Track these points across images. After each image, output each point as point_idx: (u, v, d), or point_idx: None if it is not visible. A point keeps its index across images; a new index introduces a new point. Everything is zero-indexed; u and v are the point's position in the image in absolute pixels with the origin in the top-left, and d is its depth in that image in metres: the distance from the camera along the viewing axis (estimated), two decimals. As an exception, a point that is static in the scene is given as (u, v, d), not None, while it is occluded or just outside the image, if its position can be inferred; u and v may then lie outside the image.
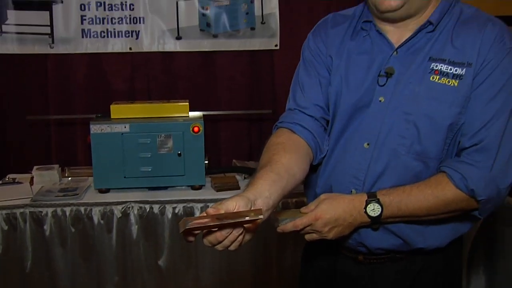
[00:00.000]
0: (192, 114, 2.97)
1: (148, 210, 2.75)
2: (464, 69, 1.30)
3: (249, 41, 3.49)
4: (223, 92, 3.54)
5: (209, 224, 1.09)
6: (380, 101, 1.38)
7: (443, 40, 1.35)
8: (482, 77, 1.29)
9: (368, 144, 1.39)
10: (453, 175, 1.29)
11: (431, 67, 1.33)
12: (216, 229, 1.12)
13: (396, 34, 1.39)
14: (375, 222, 1.33)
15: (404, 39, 1.37)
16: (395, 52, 1.38)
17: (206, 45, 3.46)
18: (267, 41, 3.50)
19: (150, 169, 2.83)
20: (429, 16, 1.35)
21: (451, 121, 1.31)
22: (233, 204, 1.13)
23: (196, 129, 2.83)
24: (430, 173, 1.34)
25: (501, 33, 1.30)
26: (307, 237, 1.34)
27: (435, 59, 1.33)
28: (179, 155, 2.82)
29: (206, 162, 2.91)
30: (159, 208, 2.75)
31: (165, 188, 2.89)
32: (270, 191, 1.22)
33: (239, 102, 3.54)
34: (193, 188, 2.89)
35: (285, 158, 1.34)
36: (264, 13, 3.47)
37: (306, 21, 3.48)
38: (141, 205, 2.75)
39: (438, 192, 1.30)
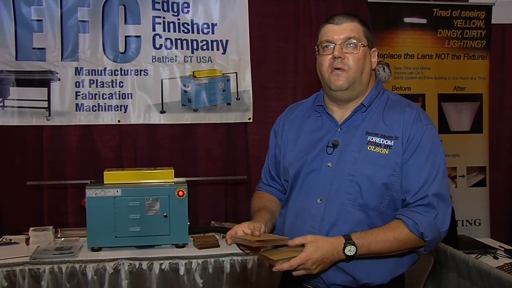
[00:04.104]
0: (176, 179, 3.31)
1: (137, 266, 3.03)
2: (393, 141, 1.75)
3: (225, 115, 3.92)
4: (202, 160, 3.91)
5: (253, 246, 1.64)
6: (328, 166, 1.80)
7: (375, 118, 1.81)
8: (411, 149, 1.73)
9: (320, 200, 1.80)
10: (407, 221, 1.70)
11: (368, 140, 1.77)
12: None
13: (340, 114, 1.87)
14: (350, 259, 1.70)
15: (345, 118, 1.85)
16: (339, 128, 1.84)
17: (187, 118, 3.87)
18: (242, 114, 3.94)
19: (138, 229, 3.14)
20: (362, 101, 1.84)
21: (384, 181, 1.73)
22: (254, 225, 1.73)
23: (181, 193, 3.18)
24: (370, 221, 1.75)
25: (417, 114, 1.78)
26: (295, 273, 1.66)
27: (371, 133, 1.78)
28: (165, 216, 3.15)
29: (188, 223, 3.23)
30: (147, 264, 3.04)
31: (152, 246, 3.19)
32: (268, 222, 1.82)
33: (216, 168, 3.91)
34: (177, 246, 3.20)
35: (271, 205, 1.96)
36: (239, 90, 3.93)
37: (276, 98, 3.96)
38: (131, 262, 3.03)
39: (397, 234, 1.69)
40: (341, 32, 1.79)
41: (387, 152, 1.74)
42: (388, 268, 1.79)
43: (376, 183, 1.74)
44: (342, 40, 1.78)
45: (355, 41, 1.78)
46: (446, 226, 1.73)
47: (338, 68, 1.79)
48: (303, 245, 1.65)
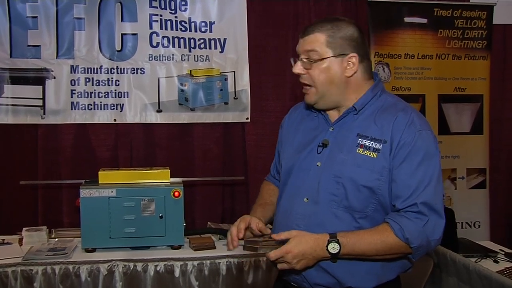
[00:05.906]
0: (172, 180, 3.26)
1: (132, 268, 2.97)
2: (382, 145, 1.71)
3: (223, 114, 3.87)
4: (199, 160, 3.86)
5: (256, 246, 1.67)
6: (317, 165, 1.79)
7: (368, 121, 1.77)
8: (402, 154, 1.68)
9: (307, 199, 1.78)
10: (394, 225, 1.66)
11: (358, 142, 1.74)
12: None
13: (334, 115, 1.85)
14: (334, 257, 1.67)
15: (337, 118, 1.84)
16: (331, 128, 1.83)
17: (184, 117, 3.82)
18: (239, 114, 3.89)
19: (133, 230, 3.09)
20: (354, 104, 1.80)
21: (370, 185, 1.70)
22: (256, 220, 1.83)
23: (176, 193, 3.12)
24: (357, 223, 1.72)
25: (411, 119, 1.71)
26: (279, 266, 1.67)
27: (362, 136, 1.75)
28: (161, 217, 3.10)
29: (184, 224, 3.18)
30: (142, 266, 2.98)
31: (147, 247, 3.13)
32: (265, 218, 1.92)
33: (213, 169, 3.86)
34: (173, 247, 3.15)
35: (274, 199, 2.01)
36: (236, 89, 3.87)
37: (274, 98, 3.91)
38: (125, 263, 2.97)
39: (383, 238, 1.66)
40: (302, 46, 1.79)
41: (375, 156, 1.71)
42: (373, 273, 1.76)
43: (361, 186, 1.71)
44: (303, 55, 1.78)
45: (314, 54, 1.75)
46: (436, 235, 1.68)
47: (305, 84, 1.80)
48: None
